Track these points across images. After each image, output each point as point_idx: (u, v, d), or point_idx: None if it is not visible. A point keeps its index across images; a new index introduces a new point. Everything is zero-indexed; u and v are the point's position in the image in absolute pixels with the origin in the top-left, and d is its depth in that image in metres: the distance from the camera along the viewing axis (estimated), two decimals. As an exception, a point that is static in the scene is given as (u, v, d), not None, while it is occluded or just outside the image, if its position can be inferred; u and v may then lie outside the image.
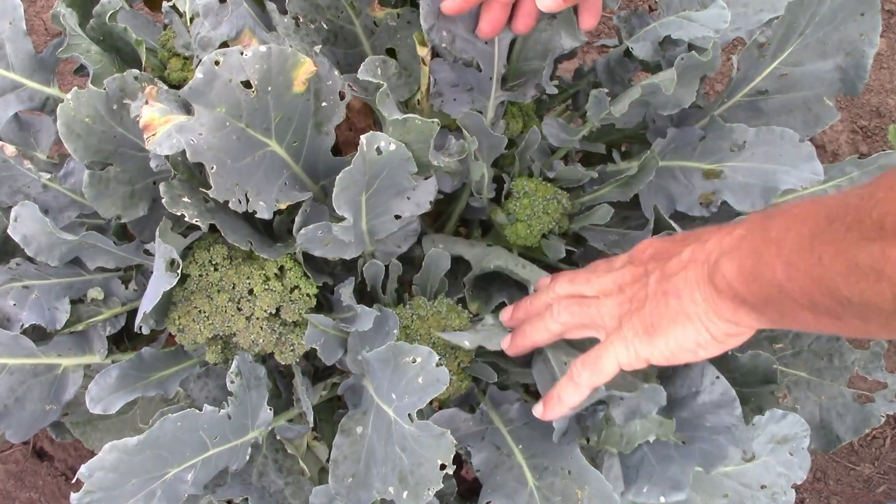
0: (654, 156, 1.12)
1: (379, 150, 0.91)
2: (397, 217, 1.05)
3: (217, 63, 0.86)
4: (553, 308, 0.97)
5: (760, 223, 0.77)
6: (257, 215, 0.98)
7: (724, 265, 0.78)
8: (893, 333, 0.72)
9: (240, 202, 0.95)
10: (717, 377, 1.00)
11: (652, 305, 0.85)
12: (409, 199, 1.03)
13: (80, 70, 1.12)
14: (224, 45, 1.02)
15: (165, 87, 0.91)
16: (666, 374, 1.05)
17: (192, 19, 1.05)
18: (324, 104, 0.97)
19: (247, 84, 0.88)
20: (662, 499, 0.94)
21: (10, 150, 1.09)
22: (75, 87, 0.95)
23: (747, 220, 0.80)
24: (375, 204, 1.00)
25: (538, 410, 0.99)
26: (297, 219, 1.01)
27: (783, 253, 0.71)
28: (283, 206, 1.00)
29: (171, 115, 0.87)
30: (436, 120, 0.92)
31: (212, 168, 0.91)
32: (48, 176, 1.11)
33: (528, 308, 1.03)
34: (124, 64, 1.10)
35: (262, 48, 0.87)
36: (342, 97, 0.98)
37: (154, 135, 0.87)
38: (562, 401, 0.96)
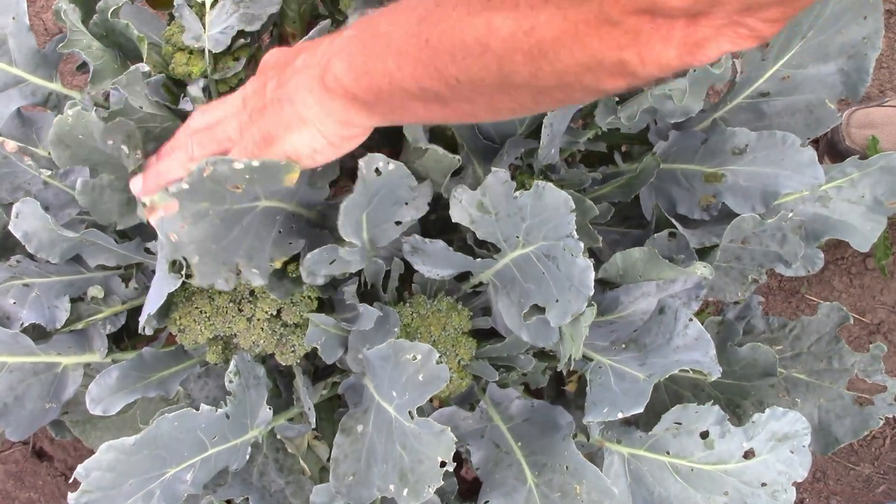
0: (656, 158, 1.12)
1: (378, 171, 0.90)
2: (398, 223, 1.04)
3: (205, 173, 0.81)
4: (187, 144, 0.93)
5: (369, 21, 0.76)
6: (252, 284, 0.97)
7: (334, 65, 0.77)
8: (497, 114, 0.74)
9: (226, 281, 0.93)
10: (691, 319, 1.00)
11: (269, 114, 0.84)
12: (407, 205, 1.03)
13: (83, 66, 1.11)
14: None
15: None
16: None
17: (214, 3, 1.05)
18: (318, 168, 0.93)
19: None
20: (620, 414, 0.94)
21: (10, 145, 1.08)
22: (78, 107, 0.93)
23: (357, 22, 0.79)
24: (376, 217, 0.99)
25: (136, 186, 0.95)
26: (302, 255, 1.00)
27: (393, 44, 0.72)
28: (278, 265, 0.99)
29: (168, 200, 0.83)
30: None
31: (194, 260, 0.88)
32: (48, 173, 1.10)
33: (166, 149, 0.97)
34: (126, 60, 1.10)
35: (255, 163, 0.81)
36: None
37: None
38: (160, 175, 0.92)
